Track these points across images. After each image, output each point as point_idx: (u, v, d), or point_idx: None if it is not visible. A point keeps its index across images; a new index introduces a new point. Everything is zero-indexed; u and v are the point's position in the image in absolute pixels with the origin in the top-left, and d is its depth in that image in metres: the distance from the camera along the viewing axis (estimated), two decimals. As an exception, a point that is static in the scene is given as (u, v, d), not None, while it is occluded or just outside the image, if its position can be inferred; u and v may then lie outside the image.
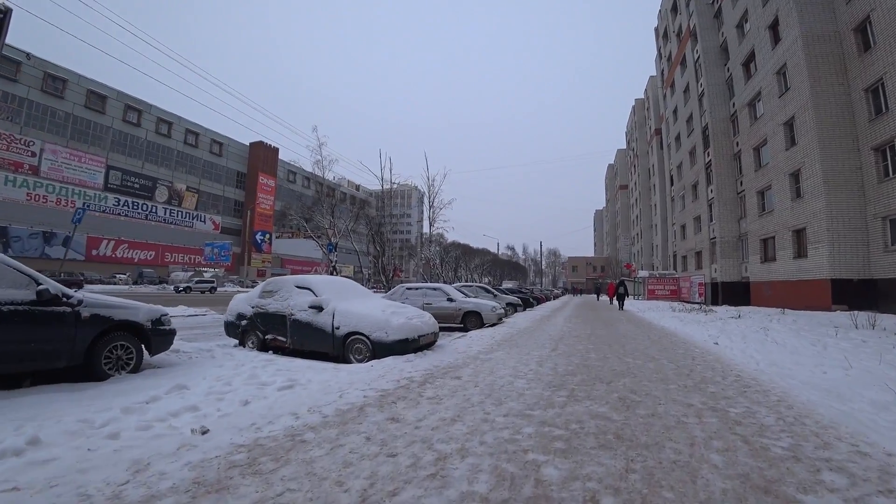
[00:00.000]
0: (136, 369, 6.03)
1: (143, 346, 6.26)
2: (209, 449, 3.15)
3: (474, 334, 10.58)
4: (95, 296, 6.12)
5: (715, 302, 28.15)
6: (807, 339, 8.43)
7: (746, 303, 25.59)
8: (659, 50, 42.23)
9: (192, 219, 59.89)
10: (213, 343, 9.02)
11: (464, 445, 3.19)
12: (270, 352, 8.85)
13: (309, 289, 8.64)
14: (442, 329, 13.26)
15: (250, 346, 9.24)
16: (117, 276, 43.15)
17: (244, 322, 9.42)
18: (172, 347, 7.60)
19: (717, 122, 29.18)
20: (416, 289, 13.84)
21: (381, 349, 7.35)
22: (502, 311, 13.59)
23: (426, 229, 39.86)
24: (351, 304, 8.22)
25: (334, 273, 29.84)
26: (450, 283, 20.84)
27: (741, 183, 27.57)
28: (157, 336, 6.39)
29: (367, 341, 7.47)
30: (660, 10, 40.58)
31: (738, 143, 27.90)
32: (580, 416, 3.87)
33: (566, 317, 16.93)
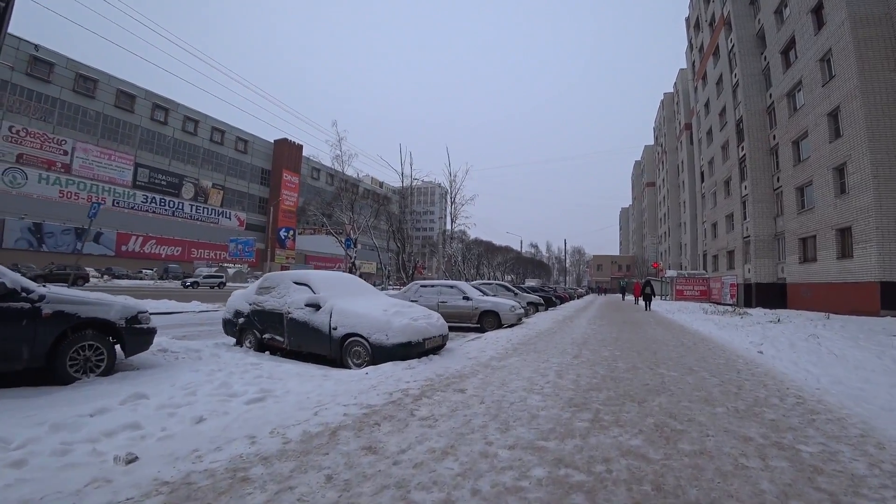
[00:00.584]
0: (108, 372, 5.42)
1: (117, 346, 5.67)
2: (122, 487, 2.43)
3: (490, 336, 9.74)
4: (63, 291, 5.53)
5: (748, 304, 26.55)
6: (869, 351, 7.30)
7: (782, 305, 23.99)
8: (690, 41, 40.35)
9: (218, 215, 60.54)
10: (209, 342, 8.44)
11: (449, 496, 2.38)
12: (267, 352, 8.25)
13: (307, 285, 7.97)
14: (457, 329, 12.56)
15: (248, 345, 8.65)
16: (144, 271, 43.81)
17: (241, 320, 8.83)
18: (160, 347, 7.02)
19: (753, 114, 27.49)
20: (431, 286, 13.07)
21: (380, 353, 6.60)
22: (522, 310, 12.72)
23: (448, 226, 39.17)
24: (351, 302, 7.49)
25: (353, 270, 29.38)
26: (472, 281, 20.00)
27: (778, 179, 25.88)
28: (133, 336, 5.77)
29: (366, 344, 6.74)
30: (691, 0, 38.77)
31: (774, 137, 26.20)
32: (607, 452, 3.01)
33: (590, 318, 15.91)
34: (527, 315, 16.17)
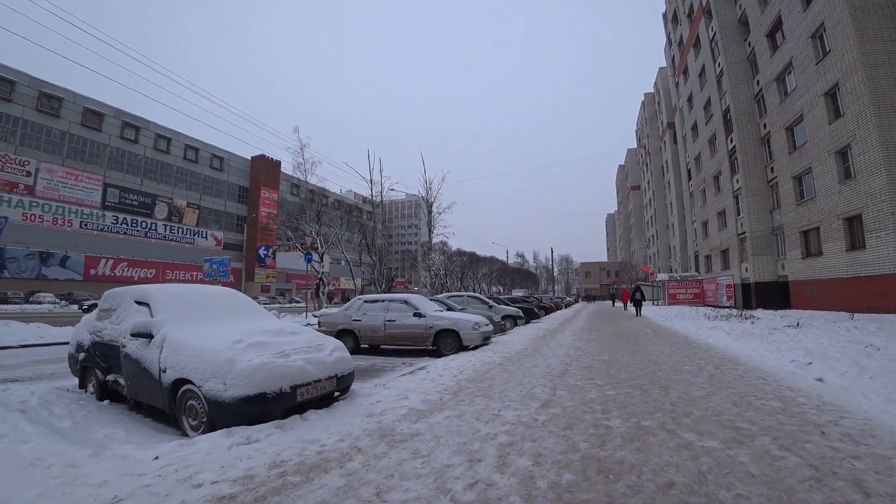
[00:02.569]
0: None
1: None
2: None
3: (437, 366, 7.02)
4: None
5: (747, 305, 24.11)
6: None
7: (785, 306, 21.56)
8: (668, 36, 38.52)
9: (194, 235, 57.36)
10: (44, 386, 5.92)
11: None
12: (107, 401, 5.67)
13: (147, 304, 5.28)
14: (409, 353, 9.95)
15: (91, 390, 6.02)
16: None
17: (82, 355, 6.16)
18: None
19: (740, 102, 25.37)
20: (377, 301, 10.36)
21: (218, 412, 3.91)
22: (489, 327, 10.03)
23: (426, 237, 36.58)
24: (201, 329, 4.79)
25: (321, 286, 26.62)
26: (455, 293, 17.27)
27: (772, 170, 23.65)
28: None
29: (200, 396, 4.04)
30: (667, -6, 37.04)
31: (765, 125, 24.04)
32: None
33: (576, 331, 13.21)
34: (503, 331, 13.55)
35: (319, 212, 26.47)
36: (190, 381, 4.14)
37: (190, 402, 4.22)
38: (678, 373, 5.84)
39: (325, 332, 10.63)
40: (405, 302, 9.98)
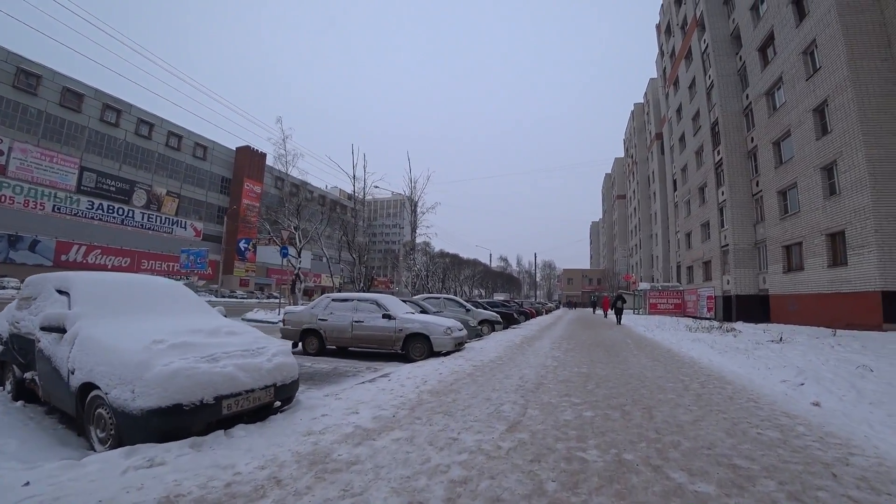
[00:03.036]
0: None
1: None
2: None
3: (400, 374, 6.42)
4: None
5: (727, 318, 23.98)
6: None
7: (765, 319, 21.45)
8: (661, 47, 38.55)
9: (173, 225, 55.70)
10: None
11: None
12: (21, 402, 5.01)
13: (67, 293, 4.60)
14: (378, 357, 9.33)
15: (8, 389, 5.34)
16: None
17: (0, 348, 5.45)
18: None
19: (729, 115, 25.30)
20: (345, 300, 9.70)
21: (128, 426, 3.26)
22: (463, 332, 9.44)
23: (409, 236, 35.88)
24: (121, 323, 4.13)
25: (297, 282, 25.77)
26: (434, 295, 16.59)
27: (757, 183, 23.58)
28: None
29: (108, 405, 3.39)
30: (662, 5, 36.96)
31: (752, 139, 23.98)
32: None
33: (555, 339, 12.70)
34: (479, 336, 13.00)
35: (300, 206, 25.59)
36: (96, 386, 3.48)
37: (98, 410, 3.55)
38: (662, 391, 5.33)
39: (290, 331, 9.98)
40: (375, 302, 9.35)
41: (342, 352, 9.85)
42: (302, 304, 15.35)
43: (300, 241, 25.54)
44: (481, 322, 14.17)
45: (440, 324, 8.79)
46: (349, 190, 25.72)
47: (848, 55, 16.44)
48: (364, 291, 26.39)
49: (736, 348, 9.40)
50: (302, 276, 25.74)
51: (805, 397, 4.97)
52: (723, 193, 25.64)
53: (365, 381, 6.02)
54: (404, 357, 8.81)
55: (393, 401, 4.70)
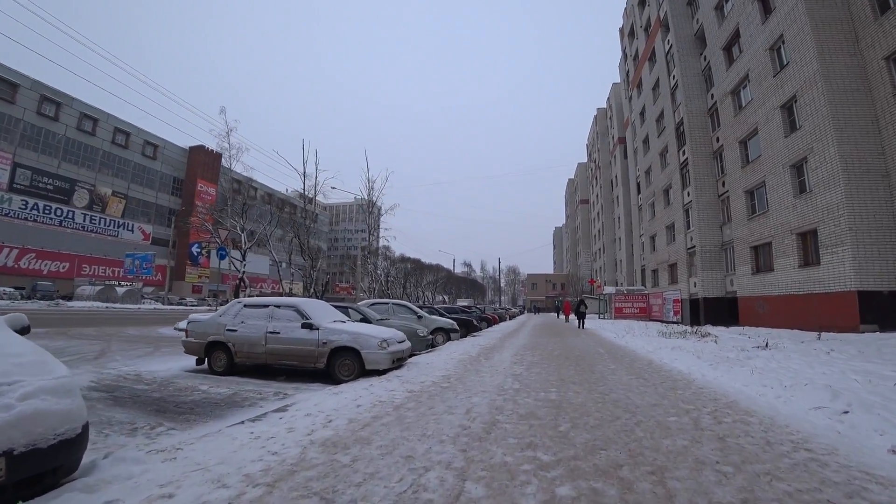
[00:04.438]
0: None
1: None
2: None
3: (305, 406, 4.48)
4: None
5: (695, 321, 23.05)
6: None
7: (734, 322, 20.56)
8: (624, 50, 38.06)
9: (118, 227, 51.34)
10: None
11: None
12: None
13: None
14: (298, 378, 7.40)
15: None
16: (1, 289, 34.71)
17: None
18: None
19: (694, 115, 24.59)
20: (259, 306, 7.68)
21: None
22: (403, 345, 7.55)
23: (368, 239, 33.80)
24: None
25: (241, 287, 23.28)
26: (381, 300, 14.57)
27: (723, 184, 22.84)
28: None
29: None
30: (625, 8, 36.46)
31: (718, 139, 23.27)
32: None
33: (518, 349, 10.93)
34: (431, 347, 11.15)
35: (245, 204, 23.19)
36: None
37: None
38: (665, 432, 3.63)
39: (193, 344, 7.86)
40: (295, 309, 7.36)
41: (262, 369, 7.80)
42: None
43: (245, 242, 23.13)
44: (435, 330, 12.33)
45: (374, 335, 6.89)
46: (304, 189, 23.49)
47: (817, 49, 15.66)
48: (320, 297, 24.21)
49: (726, 358, 7.93)
50: (247, 281, 23.33)
51: (865, 436, 3.39)
52: (688, 195, 24.85)
53: (244, 421, 4.09)
54: (328, 376, 6.87)
55: (256, 464, 2.82)
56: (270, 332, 7.22)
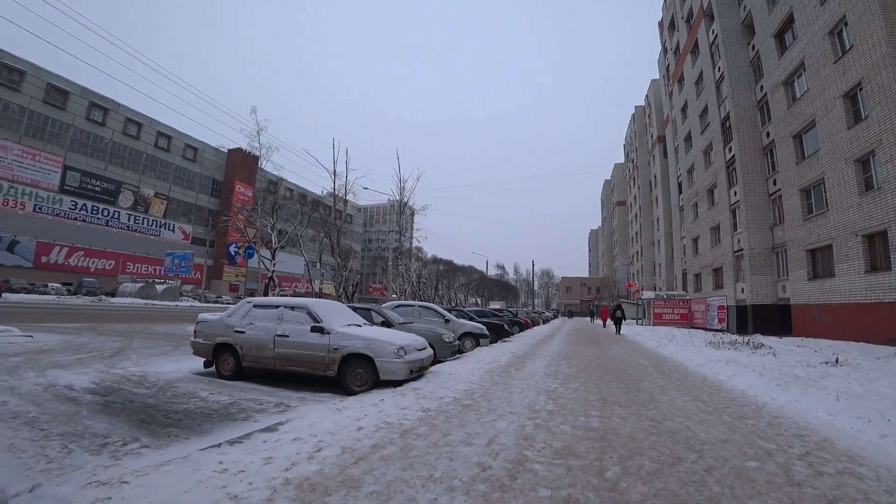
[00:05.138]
0: None
1: None
2: None
3: (299, 427, 3.80)
4: None
5: (742, 330, 21.30)
6: None
7: (786, 331, 18.82)
8: (664, 44, 36.20)
9: (160, 227, 53.12)
10: None
11: None
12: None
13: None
14: (309, 386, 6.83)
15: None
16: (50, 285, 36.23)
17: None
18: None
19: (741, 109, 22.84)
20: (269, 307, 7.11)
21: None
22: (424, 353, 6.79)
23: (399, 240, 33.34)
24: None
25: (271, 286, 23.18)
26: (407, 302, 13.79)
27: (775, 182, 21.06)
28: None
29: None
30: (665, 0, 34.73)
31: (768, 134, 21.49)
32: None
33: (552, 359, 9.94)
34: (458, 353, 10.38)
35: (275, 203, 23.07)
36: None
37: None
38: (749, 487, 2.71)
39: (202, 346, 7.36)
40: (306, 310, 6.73)
41: (273, 374, 7.23)
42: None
43: (276, 241, 23.03)
44: (463, 335, 11.53)
45: (390, 341, 6.16)
46: (334, 188, 23.18)
47: (887, 30, 14.01)
48: (348, 299, 23.86)
49: (794, 376, 6.79)
50: (277, 280, 23.21)
51: None
52: (735, 194, 23.10)
53: (221, 444, 3.43)
54: (338, 385, 6.20)
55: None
56: (279, 336, 6.62)
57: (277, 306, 7.03)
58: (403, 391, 5.54)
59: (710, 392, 5.83)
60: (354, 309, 9.80)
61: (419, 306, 11.89)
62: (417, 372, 6.55)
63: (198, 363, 7.77)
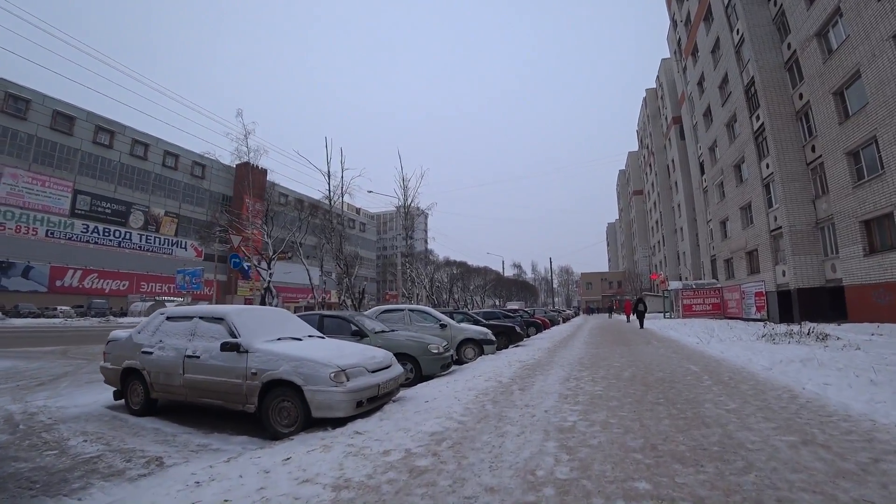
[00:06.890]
0: None
1: None
2: None
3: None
4: None
5: (786, 318, 18.73)
6: None
7: (839, 316, 16.29)
8: (672, 17, 33.65)
9: (172, 245, 52.49)
10: None
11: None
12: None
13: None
14: (227, 426, 4.76)
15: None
16: (59, 308, 35.56)
17: None
18: None
19: (768, 71, 20.36)
20: (182, 319, 5.28)
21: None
22: (383, 376, 4.68)
23: (415, 246, 31.53)
24: None
25: (267, 295, 21.58)
26: (396, 306, 11.69)
27: (813, 148, 18.53)
28: None
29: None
30: (672, -28, 32.30)
31: (801, 96, 18.99)
32: None
33: (570, 368, 7.72)
34: (458, 362, 8.42)
35: (268, 209, 21.58)
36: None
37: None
38: None
39: (110, 371, 5.59)
40: (223, 320, 4.88)
41: (188, 408, 5.38)
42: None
43: (271, 250, 21.49)
44: (463, 343, 9.54)
45: (327, 362, 4.21)
46: (359, 203, 21.55)
47: (949, -48, 11.63)
48: (356, 307, 22.12)
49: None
50: (274, 291, 21.67)
51: None
52: (767, 166, 20.56)
53: None
54: (263, 426, 4.31)
55: None
56: (189, 357, 4.78)
57: (191, 318, 5.18)
58: (336, 438, 3.59)
59: (820, 421, 3.66)
60: (324, 318, 7.95)
61: (409, 310, 9.93)
62: (377, 401, 4.58)
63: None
